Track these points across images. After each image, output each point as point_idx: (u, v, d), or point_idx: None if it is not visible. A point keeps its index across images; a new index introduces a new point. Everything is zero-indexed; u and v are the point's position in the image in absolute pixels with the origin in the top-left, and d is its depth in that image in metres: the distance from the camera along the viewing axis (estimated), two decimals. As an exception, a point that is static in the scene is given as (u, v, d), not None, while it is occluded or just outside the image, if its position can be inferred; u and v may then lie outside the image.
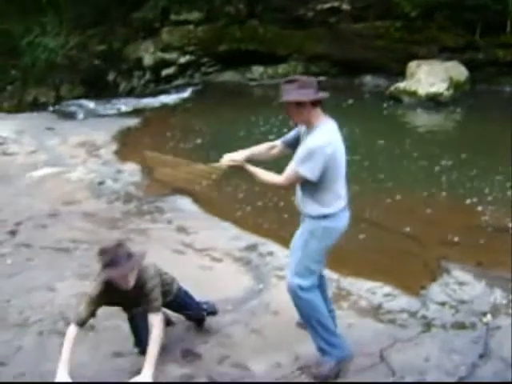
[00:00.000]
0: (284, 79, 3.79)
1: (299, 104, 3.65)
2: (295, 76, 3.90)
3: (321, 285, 4.07)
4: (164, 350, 3.94)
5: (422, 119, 10.75)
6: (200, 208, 6.61)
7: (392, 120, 10.48)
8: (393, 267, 5.42)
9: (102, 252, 3.61)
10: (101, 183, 7.29)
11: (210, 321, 4.33)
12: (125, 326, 4.19)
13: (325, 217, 3.75)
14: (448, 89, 10.94)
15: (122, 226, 6.08)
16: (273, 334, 4.07)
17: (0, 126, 9.61)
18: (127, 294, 3.67)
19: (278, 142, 4.01)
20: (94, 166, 8.02)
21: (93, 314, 3.70)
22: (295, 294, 3.77)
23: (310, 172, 3.61)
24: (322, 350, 3.86)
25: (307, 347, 4.05)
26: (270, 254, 5.39)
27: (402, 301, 4.84)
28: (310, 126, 3.72)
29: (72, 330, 3.61)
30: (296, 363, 3.89)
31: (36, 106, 11.67)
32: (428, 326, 4.49)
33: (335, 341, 3.86)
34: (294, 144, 3.84)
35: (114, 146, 9.03)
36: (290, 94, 3.66)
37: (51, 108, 11.69)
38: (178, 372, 3.72)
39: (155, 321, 3.63)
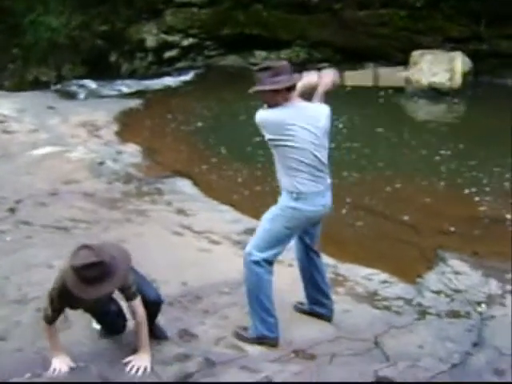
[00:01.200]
0: (257, 67, 3.84)
1: (275, 91, 3.71)
2: (268, 62, 3.94)
3: (317, 268, 4.14)
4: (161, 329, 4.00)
5: (424, 109, 10.74)
6: (199, 191, 6.64)
7: (393, 109, 10.47)
8: (390, 255, 5.46)
9: (86, 267, 3.13)
10: (101, 163, 7.30)
11: (207, 302, 4.38)
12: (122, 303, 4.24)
13: (297, 197, 3.76)
14: (451, 79, 10.92)
15: (122, 206, 6.10)
16: (269, 316, 4.09)
17: (1, 104, 9.58)
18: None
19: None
20: (94, 146, 8.02)
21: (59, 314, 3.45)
22: (247, 266, 3.84)
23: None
24: (252, 323, 3.94)
25: (302, 330, 4.10)
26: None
27: (398, 288, 4.88)
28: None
29: (48, 328, 3.43)
30: (291, 346, 3.93)
31: (37, 85, 11.63)
32: (423, 313, 4.53)
33: (269, 320, 3.91)
34: None
35: (115, 127, 9.02)
36: (264, 82, 3.72)
37: (52, 87, 11.66)
38: (175, 351, 3.74)
39: (136, 306, 3.46)
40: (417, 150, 8.09)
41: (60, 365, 3.44)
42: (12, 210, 5.78)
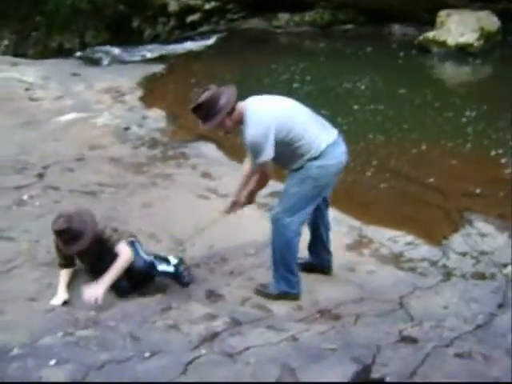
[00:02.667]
0: (190, 107, 3.75)
1: (222, 123, 3.74)
2: (197, 99, 3.74)
3: (324, 222, 4.21)
4: (188, 290, 4.07)
5: (450, 70, 10.56)
6: (224, 154, 6.65)
7: (419, 70, 10.31)
8: (415, 217, 5.44)
9: (60, 232, 3.92)
10: (126, 129, 7.33)
11: (233, 264, 4.44)
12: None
13: (319, 156, 3.81)
14: (478, 39, 10.69)
15: (147, 170, 6.15)
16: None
17: (26, 72, 9.63)
18: (87, 251, 4.01)
19: (247, 160, 4.12)
20: (119, 111, 8.05)
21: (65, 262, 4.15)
22: (277, 229, 3.89)
23: (269, 153, 3.70)
24: (274, 280, 4.02)
25: (327, 291, 4.14)
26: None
27: (424, 250, 4.88)
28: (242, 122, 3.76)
29: (59, 270, 4.10)
30: (316, 306, 3.98)
31: (61, 53, 11.66)
32: (448, 275, 4.53)
33: (292, 279, 4.00)
34: None
35: (139, 93, 9.04)
36: (206, 120, 3.72)
37: (76, 54, 11.68)
38: (202, 311, 3.80)
39: (120, 248, 3.95)
40: (442, 112, 7.98)
41: (55, 301, 3.92)
42: (40, 176, 5.86)
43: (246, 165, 4.15)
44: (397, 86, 9.09)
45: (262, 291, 4.06)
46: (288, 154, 3.82)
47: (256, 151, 3.71)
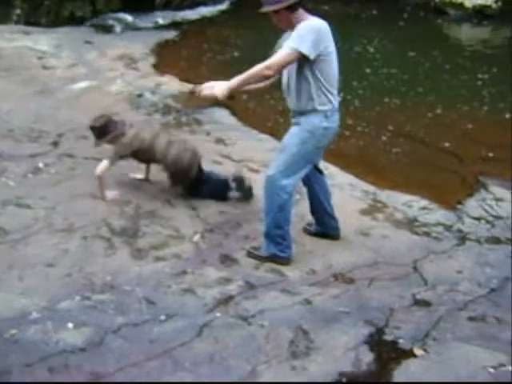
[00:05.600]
0: None
1: (277, 12, 3.69)
2: None
3: (323, 188, 4.23)
4: (202, 255, 4.11)
5: (467, 33, 10.39)
6: (238, 120, 6.62)
7: (435, 33, 10.16)
8: (430, 182, 5.43)
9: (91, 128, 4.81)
10: (139, 96, 7.31)
11: (247, 229, 4.47)
12: (165, 231, 4.36)
13: (329, 115, 3.80)
14: (496, 1, 10.47)
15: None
16: (308, 242, 4.16)
17: (39, 41, 9.59)
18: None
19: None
20: (132, 78, 8.02)
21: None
22: (273, 191, 3.87)
23: (309, 47, 3.60)
24: (265, 242, 4.03)
25: (341, 255, 4.16)
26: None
27: (438, 214, 4.87)
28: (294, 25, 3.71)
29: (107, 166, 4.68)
30: (330, 270, 4.00)
31: (73, 21, 11.57)
32: (463, 239, 4.53)
33: (283, 242, 3.99)
34: None
35: (152, 59, 8.98)
36: (266, 4, 3.72)
37: (88, 22, 11.60)
38: (216, 275, 3.85)
39: None
40: (458, 75, 7.88)
41: (111, 194, 4.71)
42: (55, 144, 5.88)
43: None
44: (411, 49, 8.98)
45: (253, 253, 4.07)
46: (311, 86, 3.75)
47: (299, 39, 3.62)
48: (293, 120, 3.96)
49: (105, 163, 4.65)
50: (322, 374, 3.00)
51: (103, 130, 4.71)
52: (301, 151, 3.84)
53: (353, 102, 7.18)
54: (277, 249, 4.00)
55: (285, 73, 3.86)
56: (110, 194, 4.73)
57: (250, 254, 4.09)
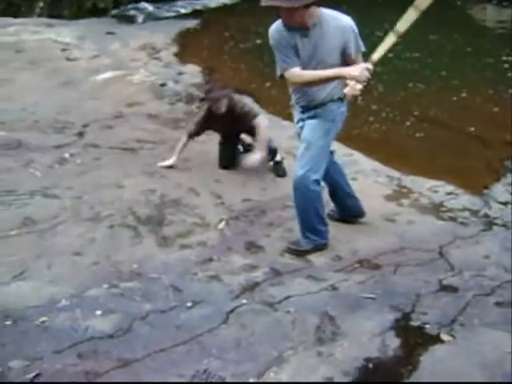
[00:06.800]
0: None
1: (294, 9, 3.48)
2: None
3: (337, 170, 4.20)
4: (227, 242, 4.13)
5: (491, 14, 10.23)
6: (261, 107, 6.61)
7: (457, 15, 10.02)
8: (456, 166, 5.38)
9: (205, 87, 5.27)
10: (163, 85, 7.35)
11: (271, 216, 4.47)
12: (190, 219, 4.38)
13: (341, 100, 3.78)
14: (521, -19, 10.28)
15: (185, 126, 6.17)
16: (333, 228, 4.14)
17: (62, 33, 9.68)
18: (223, 119, 4.97)
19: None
20: (155, 68, 8.07)
21: (198, 133, 5.18)
22: (306, 188, 3.80)
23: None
24: (305, 236, 3.99)
25: (367, 241, 4.14)
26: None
27: (464, 199, 4.82)
28: (308, 25, 3.59)
29: (185, 140, 5.15)
30: (355, 256, 3.99)
31: (95, 12, 11.64)
32: (489, 224, 4.49)
33: (322, 228, 3.98)
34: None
35: (174, 48, 9.03)
36: None
37: (110, 13, 11.66)
38: (242, 262, 3.86)
39: (259, 121, 4.93)
40: (483, 58, 7.77)
41: (166, 162, 5.13)
42: (80, 134, 5.94)
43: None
44: (433, 32, 8.86)
45: (295, 249, 4.00)
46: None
47: (358, 38, 3.63)
48: (303, 115, 3.88)
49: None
50: (348, 360, 3.00)
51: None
52: (326, 142, 3.83)
53: (376, 87, 7.13)
54: (319, 237, 3.99)
55: (320, 67, 3.68)
56: (168, 161, 5.14)
57: (292, 251, 4.00)
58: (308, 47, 3.64)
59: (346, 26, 3.61)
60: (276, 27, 3.71)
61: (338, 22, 3.61)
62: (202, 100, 5.21)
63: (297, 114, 3.98)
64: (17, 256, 3.85)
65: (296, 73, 3.67)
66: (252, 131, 5.01)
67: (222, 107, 4.92)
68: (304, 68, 3.67)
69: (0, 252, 3.89)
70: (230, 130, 5.18)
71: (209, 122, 5.08)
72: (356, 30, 3.63)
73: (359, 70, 3.49)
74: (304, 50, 3.65)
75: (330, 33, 3.60)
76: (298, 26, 3.61)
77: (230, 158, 5.25)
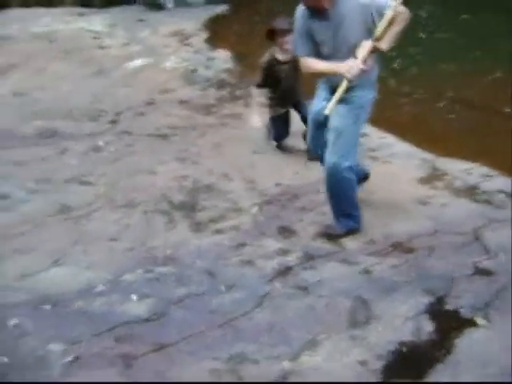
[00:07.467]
0: None
1: None
2: None
3: None
4: (260, 227, 4.14)
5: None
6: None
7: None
8: (490, 148, 5.28)
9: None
10: (194, 71, 7.37)
11: (304, 200, 4.48)
12: (223, 204, 4.41)
13: (372, 85, 3.80)
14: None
15: (217, 111, 6.20)
16: (366, 212, 4.12)
17: (92, 21, 9.77)
18: (286, 68, 5.03)
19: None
20: (186, 54, 8.09)
21: (265, 81, 5.14)
22: (339, 175, 3.78)
23: None
24: (338, 220, 3.99)
25: (400, 224, 4.12)
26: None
27: (499, 182, 4.74)
28: (326, 7, 3.58)
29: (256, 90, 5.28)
30: (389, 240, 3.97)
31: (125, 0, 11.69)
32: (525, 206, 4.41)
33: (355, 213, 3.98)
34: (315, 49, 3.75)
35: (205, 34, 9.04)
36: None
37: (140, 0, 11.69)
38: (275, 247, 3.88)
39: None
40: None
41: (256, 123, 5.29)
42: (113, 122, 6.01)
43: None
44: (464, 12, 8.69)
45: (330, 234, 4.00)
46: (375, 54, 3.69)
47: (380, 4, 3.57)
48: (331, 96, 3.76)
49: None
50: (382, 343, 3.00)
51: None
52: (358, 128, 3.83)
53: (409, 68, 7.05)
54: (351, 221, 4.00)
55: (344, 48, 3.66)
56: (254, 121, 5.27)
57: (325, 235, 4.00)
58: (328, 29, 3.65)
59: (365, 3, 3.56)
60: (299, 12, 3.77)
61: (357, 1, 3.58)
62: (270, 33, 5.02)
63: (324, 93, 3.92)
64: (54, 243, 3.94)
65: (302, 61, 3.82)
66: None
67: (288, 43, 4.75)
68: (327, 49, 3.70)
69: (38, 239, 3.99)
70: (291, 84, 5.12)
71: (272, 68, 5.09)
72: (376, 1, 3.56)
73: (347, 67, 3.57)
74: (322, 32, 3.67)
75: (349, 13, 3.58)
76: (317, 8, 3.61)
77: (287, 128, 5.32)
